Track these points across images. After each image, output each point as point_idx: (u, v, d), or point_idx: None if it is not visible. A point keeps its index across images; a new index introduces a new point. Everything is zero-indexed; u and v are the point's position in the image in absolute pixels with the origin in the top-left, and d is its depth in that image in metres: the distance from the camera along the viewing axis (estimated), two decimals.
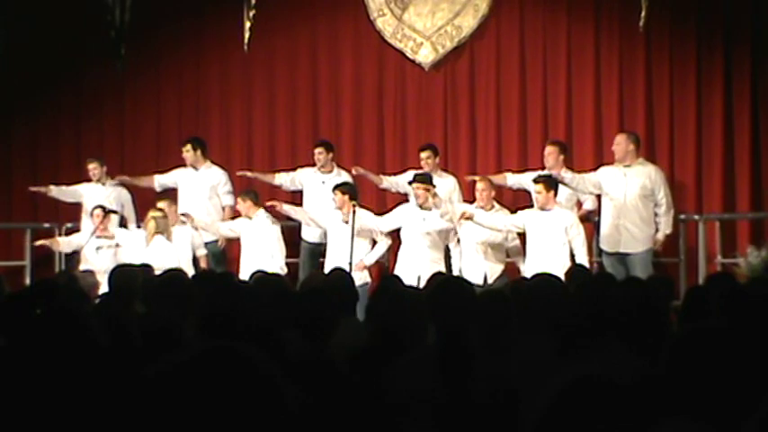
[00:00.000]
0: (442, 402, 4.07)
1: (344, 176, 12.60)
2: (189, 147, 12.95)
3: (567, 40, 12.88)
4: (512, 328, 4.68)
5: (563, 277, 7.67)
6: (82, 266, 11.62)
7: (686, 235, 12.01)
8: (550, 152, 11.79)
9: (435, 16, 13.35)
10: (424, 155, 12.41)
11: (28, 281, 12.96)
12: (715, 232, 11.87)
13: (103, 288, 9.07)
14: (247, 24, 13.80)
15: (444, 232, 11.66)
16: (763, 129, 12.17)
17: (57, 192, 13.26)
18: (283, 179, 12.88)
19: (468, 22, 13.24)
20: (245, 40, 13.84)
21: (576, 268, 9.02)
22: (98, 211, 12.41)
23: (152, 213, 11.84)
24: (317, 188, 12.59)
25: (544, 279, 5.47)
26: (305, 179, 12.78)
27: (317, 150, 12.76)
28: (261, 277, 7.77)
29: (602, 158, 12.55)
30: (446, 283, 5.77)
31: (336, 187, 11.92)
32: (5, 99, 14.36)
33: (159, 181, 13.11)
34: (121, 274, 7.66)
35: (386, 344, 4.67)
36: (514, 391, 3.83)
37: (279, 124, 13.94)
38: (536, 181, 11.18)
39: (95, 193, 13.06)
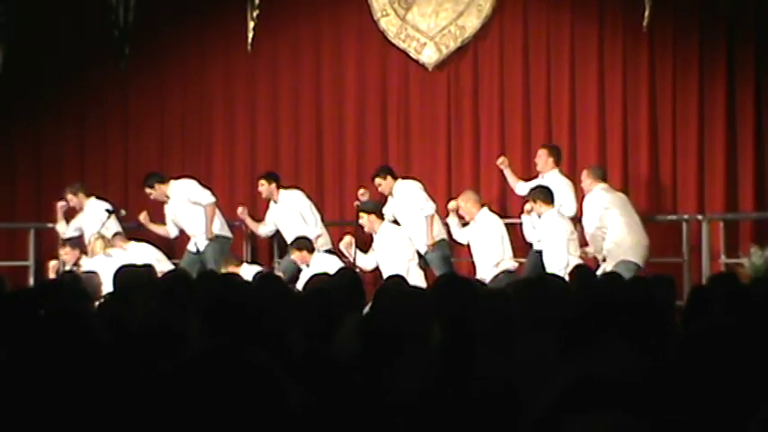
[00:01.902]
0: (444, 402, 4.07)
1: (287, 202, 12.62)
2: (148, 190, 12.60)
3: (570, 40, 12.88)
4: (514, 327, 4.68)
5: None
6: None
7: (689, 235, 12.00)
8: (540, 155, 11.97)
9: (439, 16, 13.35)
10: (375, 181, 12.39)
11: (32, 281, 12.96)
12: (718, 232, 11.85)
13: (106, 288, 9.07)
14: (251, 24, 13.80)
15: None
16: (767, 128, 12.17)
17: (64, 229, 13.07)
18: (264, 230, 12.94)
19: (472, 23, 13.23)
20: (249, 40, 13.84)
21: (578, 268, 9.02)
22: (63, 249, 12.34)
23: (95, 236, 12.23)
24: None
25: (546, 278, 5.47)
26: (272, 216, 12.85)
27: (260, 182, 12.76)
28: (264, 277, 7.77)
29: (605, 157, 12.56)
30: (451, 283, 5.77)
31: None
32: (9, 99, 14.36)
33: (170, 231, 12.87)
34: (126, 273, 7.65)
35: (389, 343, 4.67)
36: (517, 390, 3.83)
37: (282, 124, 13.94)
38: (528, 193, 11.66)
39: (82, 222, 12.90)
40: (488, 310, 4.39)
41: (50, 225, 13.39)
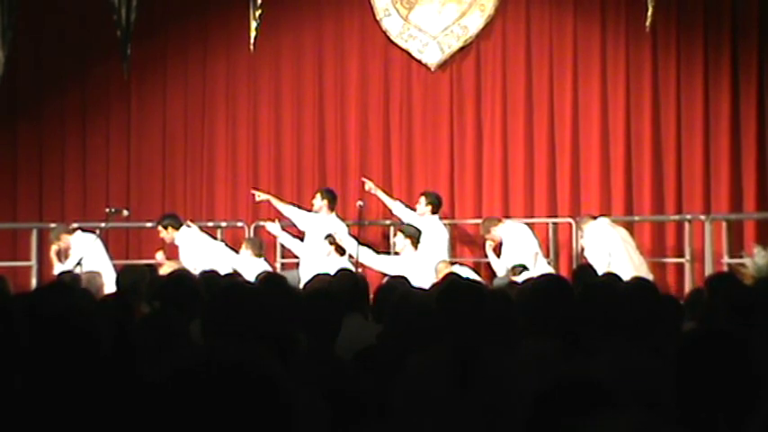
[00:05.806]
0: (448, 403, 4.06)
1: (330, 224, 12.15)
2: (161, 228, 12.18)
3: (573, 40, 12.87)
4: (517, 329, 4.67)
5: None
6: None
7: (692, 235, 11.98)
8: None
9: (441, 16, 13.35)
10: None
11: (34, 281, 12.95)
12: (721, 232, 11.84)
13: (108, 288, 9.07)
14: (253, 24, 13.81)
15: None
16: None
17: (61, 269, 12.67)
18: (290, 214, 12.45)
19: (475, 22, 13.23)
20: (251, 40, 13.85)
21: (581, 268, 9.00)
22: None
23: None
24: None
25: (550, 279, 5.46)
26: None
27: (315, 196, 12.37)
28: (267, 277, 7.75)
29: (608, 159, 12.55)
30: (455, 284, 5.76)
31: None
32: (12, 100, 14.38)
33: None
34: (129, 273, 7.63)
35: (393, 345, 4.66)
36: (519, 392, 3.82)
37: (284, 124, 13.94)
38: None
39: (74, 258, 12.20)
40: (493, 312, 4.37)
41: (53, 225, 13.04)
